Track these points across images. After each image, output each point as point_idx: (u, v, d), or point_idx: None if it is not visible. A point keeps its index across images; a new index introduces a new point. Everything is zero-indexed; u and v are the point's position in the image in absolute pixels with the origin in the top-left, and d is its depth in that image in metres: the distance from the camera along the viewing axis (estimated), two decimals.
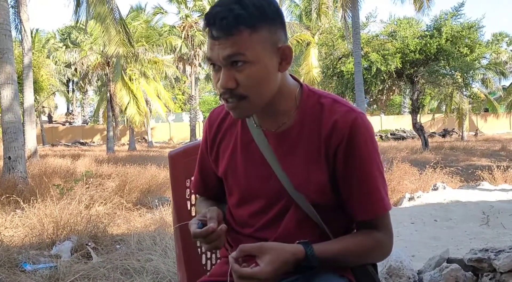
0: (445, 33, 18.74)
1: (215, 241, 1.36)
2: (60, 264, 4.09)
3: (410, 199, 6.38)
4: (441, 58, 18.86)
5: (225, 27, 1.21)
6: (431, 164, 9.75)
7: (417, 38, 19.29)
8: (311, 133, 1.39)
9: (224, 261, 1.56)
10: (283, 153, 1.41)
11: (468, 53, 18.93)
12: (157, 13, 37.50)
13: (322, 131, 1.37)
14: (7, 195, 7.06)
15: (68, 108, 62.49)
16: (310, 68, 26.82)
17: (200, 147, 1.63)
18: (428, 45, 18.60)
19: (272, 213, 1.44)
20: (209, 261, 1.86)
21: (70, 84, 54.86)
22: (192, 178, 1.72)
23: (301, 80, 1.50)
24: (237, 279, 1.21)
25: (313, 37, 27.48)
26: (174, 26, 37.41)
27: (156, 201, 7.12)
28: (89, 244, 4.82)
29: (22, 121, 15.45)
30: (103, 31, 15.10)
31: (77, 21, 15.87)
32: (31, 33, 27.15)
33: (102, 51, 25.52)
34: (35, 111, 24.82)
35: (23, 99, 15.56)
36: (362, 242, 1.38)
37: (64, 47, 42.73)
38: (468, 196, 6.20)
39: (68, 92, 55.35)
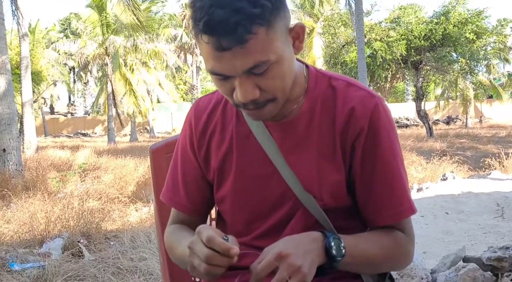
0: (453, 18, 18.45)
1: (221, 266, 1.00)
2: (48, 264, 3.87)
3: (419, 190, 6.14)
4: (447, 44, 18.58)
5: (238, 35, 0.95)
6: (438, 153, 9.54)
7: (422, 24, 19.01)
8: (323, 123, 1.16)
9: None
10: (289, 147, 1.17)
11: (475, 39, 18.62)
12: (157, 2, 37.18)
13: (336, 120, 1.15)
14: (0, 189, 6.86)
15: (69, 99, 62.29)
16: (315, 58, 26.49)
17: (180, 144, 1.33)
18: (434, 31, 18.31)
19: (274, 220, 1.20)
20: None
21: (72, 74, 54.65)
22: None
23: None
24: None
25: (315, 23, 27.16)
26: (175, 14, 37.14)
27: (153, 194, 6.89)
28: (81, 241, 4.59)
29: (21, 113, 15.32)
30: None
31: None
32: (30, 26, 26.94)
33: (101, 40, 25.32)
34: (35, 102, 24.60)
35: (21, 91, 15.36)
36: (386, 239, 1.15)
37: (64, 37, 42.46)
38: (480, 186, 5.95)
39: (70, 83, 55.19)
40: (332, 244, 1.03)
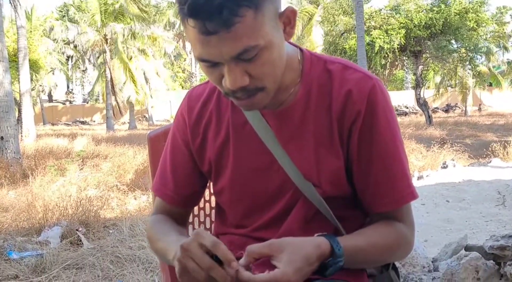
0: (454, 8, 18.33)
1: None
2: (47, 252, 3.84)
3: (419, 177, 6.10)
4: (448, 32, 18.47)
5: (224, 18, 0.89)
6: (438, 140, 9.52)
7: (422, 11, 18.90)
8: (319, 108, 1.10)
9: None
10: (286, 135, 1.12)
11: (476, 27, 18.50)
12: None
13: (333, 105, 1.09)
14: None
15: (68, 87, 62.03)
16: (314, 46, 26.34)
17: (171, 134, 1.28)
18: (434, 20, 18.18)
19: (274, 210, 1.16)
20: None
21: (70, 62, 54.34)
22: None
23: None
24: None
25: (316, 8, 27.01)
26: (172, 3, 36.90)
27: (151, 182, 6.84)
28: (80, 229, 4.56)
29: (19, 101, 15.25)
30: None
31: None
32: (27, 13, 26.71)
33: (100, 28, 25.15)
34: (33, 89, 24.45)
35: (19, 78, 15.29)
36: (386, 235, 1.11)
37: (62, 24, 42.10)
38: (481, 174, 5.92)
39: (68, 71, 54.92)
40: (331, 268, 0.99)
